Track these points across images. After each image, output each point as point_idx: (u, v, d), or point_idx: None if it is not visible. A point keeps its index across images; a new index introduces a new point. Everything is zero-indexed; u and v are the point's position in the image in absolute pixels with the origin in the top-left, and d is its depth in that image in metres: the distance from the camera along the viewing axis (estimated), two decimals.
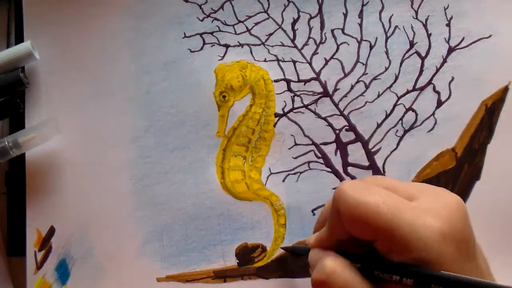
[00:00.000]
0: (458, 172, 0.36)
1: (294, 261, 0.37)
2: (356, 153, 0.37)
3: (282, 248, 0.37)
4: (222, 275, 0.37)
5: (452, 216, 0.26)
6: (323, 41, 0.38)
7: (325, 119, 0.37)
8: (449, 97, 0.37)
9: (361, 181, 0.29)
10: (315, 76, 0.38)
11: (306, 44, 0.38)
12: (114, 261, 0.38)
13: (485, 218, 0.35)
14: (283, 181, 0.37)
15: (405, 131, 0.37)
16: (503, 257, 0.35)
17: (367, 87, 0.37)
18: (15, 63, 0.39)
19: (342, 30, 0.38)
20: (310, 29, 0.38)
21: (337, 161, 0.37)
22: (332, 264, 0.28)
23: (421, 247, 0.25)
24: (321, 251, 0.30)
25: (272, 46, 0.38)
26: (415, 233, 0.25)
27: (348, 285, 0.27)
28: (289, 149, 0.37)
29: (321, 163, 0.37)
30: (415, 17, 0.37)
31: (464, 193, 0.36)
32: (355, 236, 0.27)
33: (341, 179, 0.37)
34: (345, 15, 0.38)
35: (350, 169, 0.37)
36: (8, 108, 0.39)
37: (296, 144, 0.37)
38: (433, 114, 0.37)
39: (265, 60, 0.38)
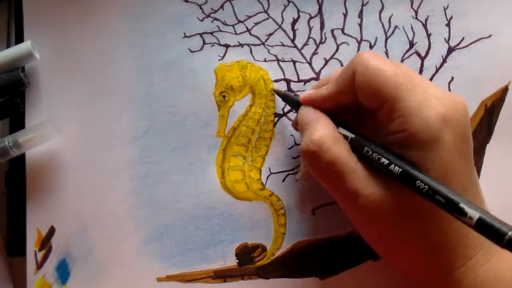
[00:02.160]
0: None
1: (294, 261, 0.37)
2: None
3: (274, 90, 0.37)
4: (222, 275, 0.37)
5: (457, 111, 0.27)
6: (323, 41, 0.38)
7: None
8: None
9: (380, 55, 0.29)
10: (315, 76, 0.38)
11: (306, 44, 0.38)
12: (114, 261, 0.38)
13: None
14: (283, 181, 0.37)
15: None
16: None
17: None
18: (15, 63, 0.39)
19: (342, 30, 0.38)
20: (310, 29, 0.38)
21: None
22: (323, 135, 0.28)
23: (423, 124, 0.26)
24: (313, 112, 0.30)
25: (272, 46, 0.38)
26: (421, 111, 0.26)
27: (337, 160, 0.27)
28: (289, 149, 0.37)
29: None
30: (415, 17, 0.37)
31: None
32: (362, 100, 0.28)
33: None
34: (345, 15, 0.38)
35: None
36: (8, 108, 0.39)
37: (296, 144, 0.37)
38: None
39: (265, 60, 0.38)
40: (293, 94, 0.35)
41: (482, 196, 0.29)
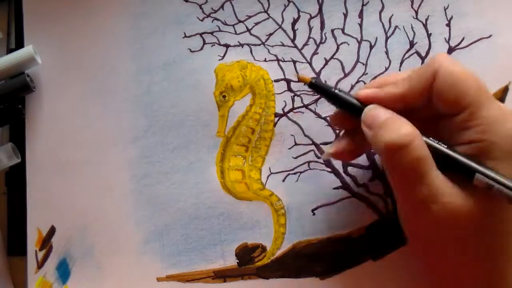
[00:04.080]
0: None
1: (294, 261, 0.37)
2: None
3: (310, 84, 0.31)
4: (222, 275, 0.37)
5: None
6: (323, 41, 0.38)
7: (325, 119, 0.37)
8: None
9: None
10: (315, 76, 0.38)
11: (306, 44, 0.38)
12: (114, 261, 0.38)
13: None
14: (283, 181, 0.37)
15: None
16: None
17: None
18: (17, 69, 0.39)
19: (342, 30, 0.38)
20: (310, 29, 0.38)
21: (337, 161, 0.37)
22: (414, 130, 0.26)
23: (504, 135, 0.25)
24: (386, 110, 0.28)
25: (272, 46, 0.38)
26: (503, 122, 0.25)
27: (425, 160, 0.26)
28: (289, 149, 0.37)
29: (321, 163, 0.37)
30: (415, 17, 0.37)
31: None
32: (439, 103, 0.27)
33: (341, 179, 0.37)
34: (345, 15, 0.38)
35: (350, 169, 0.37)
36: (10, 115, 0.39)
37: (296, 144, 0.37)
38: None
39: (265, 60, 0.38)
40: (347, 92, 0.31)
41: None
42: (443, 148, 0.27)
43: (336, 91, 0.30)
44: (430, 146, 0.26)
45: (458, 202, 0.25)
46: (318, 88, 0.31)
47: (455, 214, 0.25)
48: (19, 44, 0.40)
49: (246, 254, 0.37)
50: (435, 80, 0.27)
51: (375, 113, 0.28)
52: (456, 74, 0.26)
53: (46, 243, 0.39)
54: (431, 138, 0.27)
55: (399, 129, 0.26)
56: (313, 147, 0.37)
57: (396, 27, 0.37)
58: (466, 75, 0.26)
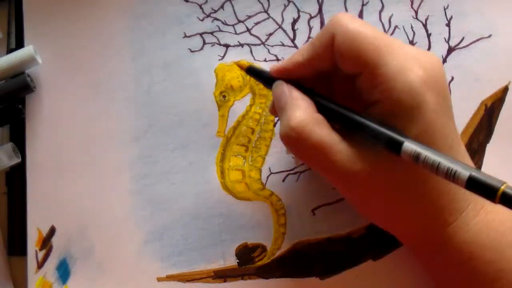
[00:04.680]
0: None
1: (294, 261, 0.37)
2: None
3: (236, 63, 0.34)
4: (222, 275, 0.37)
5: (435, 69, 0.26)
6: None
7: None
8: None
9: (357, 17, 0.28)
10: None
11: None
12: (114, 261, 0.38)
13: None
14: (283, 181, 0.37)
15: None
16: None
17: None
18: (18, 68, 0.39)
19: None
20: (310, 29, 0.38)
21: None
22: (303, 119, 0.27)
23: (406, 89, 0.25)
24: (288, 90, 0.28)
25: (272, 46, 0.38)
26: (403, 75, 0.25)
27: (321, 144, 0.26)
28: None
29: None
30: (415, 17, 0.37)
31: None
32: (341, 65, 0.27)
33: None
34: None
35: None
36: (10, 115, 0.39)
37: None
38: None
39: (265, 60, 0.38)
40: (266, 71, 0.32)
41: (465, 149, 0.29)
42: (350, 114, 0.27)
43: (251, 65, 0.32)
44: (338, 113, 0.27)
45: (368, 167, 0.26)
46: (254, 72, 0.32)
47: (370, 178, 0.26)
48: (19, 44, 0.40)
49: (246, 254, 0.37)
50: (334, 42, 0.27)
51: (278, 94, 0.29)
52: (352, 33, 0.26)
53: (46, 243, 0.39)
54: (338, 105, 0.28)
55: (290, 118, 0.27)
56: None
57: (396, 27, 0.37)
58: (362, 34, 0.26)
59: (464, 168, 0.24)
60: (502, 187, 0.23)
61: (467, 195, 0.28)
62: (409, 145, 0.25)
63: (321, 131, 0.27)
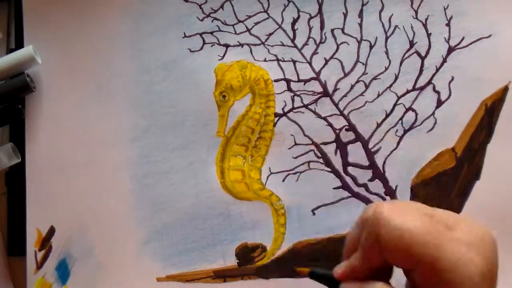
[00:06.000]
0: (458, 172, 0.36)
1: (294, 261, 0.37)
2: (356, 153, 0.37)
3: (310, 275, 0.30)
4: (222, 275, 0.37)
5: (490, 253, 0.25)
6: (323, 41, 0.38)
7: (325, 119, 0.37)
8: (449, 97, 0.37)
9: (397, 204, 0.26)
10: (315, 76, 0.38)
11: (306, 44, 0.38)
12: (114, 261, 0.38)
13: (485, 218, 0.35)
14: (283, 181, 0.37)
15: (405, 131, 0.37)
16: (503, 256, 0.35)
17: (367, 87, 0.37)
18: (18, 68, 0.39)
19: (342, 30, 0.38)
20: (310, 29, 0.38)
21: (337, 161, 0.37)
22: None
23: (467, 283, 0.24)
24: (361, 283, 0.27)
25: (272, 46, 0.38)
26: (460, 269, 0.24)
27: None
28: (289, 149, 0.37)
29: (321, 163, 0.37)
30: (415, 16, 0.37)
31: (464, 193, 0.36)
32: (393, 263, 0.26)
33: (341, 179, 0.37)
34: (345, 15, 0.38)
35: (350, 169, 0.37)
36: (10, 115, 0.39)
37: (296, 144, 0.37)
38: (433, 114, 0.37)
39: (265, 60, 0.38)
40: (323, 271, 0.30)
41: None
42: None
43: (314, 270, 0.29)
44: None
45: None
46: (318, 277, 0.30)
47: None
48: (19, 44, 0.40)
49: (246, 254, 0.37)
50: (380, 241, 0.25)
51: None
52: (397, 232, 0.25)
53: (45, 243, 0.39)
54: None
55: None
56: (313, 147, 0.37)
57: (396, 26, 0.37)
58: (407, 229, 0.25)
59: None
60: None
61: None
62: None
63: None
